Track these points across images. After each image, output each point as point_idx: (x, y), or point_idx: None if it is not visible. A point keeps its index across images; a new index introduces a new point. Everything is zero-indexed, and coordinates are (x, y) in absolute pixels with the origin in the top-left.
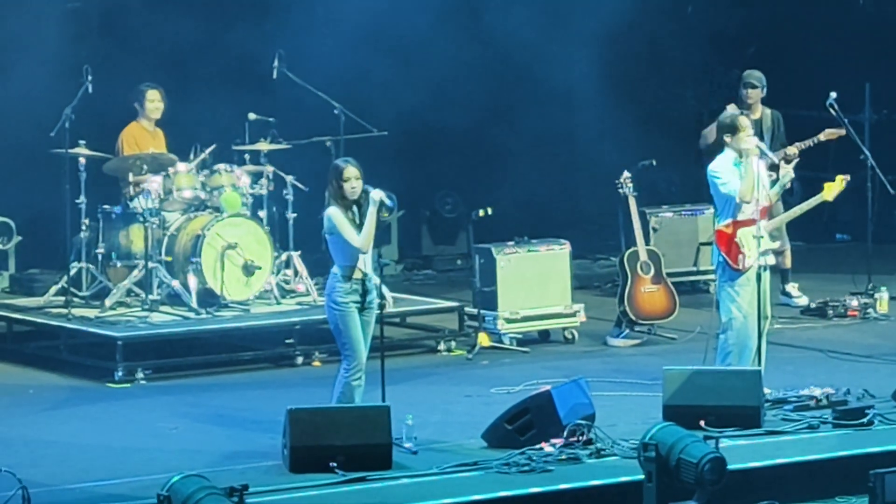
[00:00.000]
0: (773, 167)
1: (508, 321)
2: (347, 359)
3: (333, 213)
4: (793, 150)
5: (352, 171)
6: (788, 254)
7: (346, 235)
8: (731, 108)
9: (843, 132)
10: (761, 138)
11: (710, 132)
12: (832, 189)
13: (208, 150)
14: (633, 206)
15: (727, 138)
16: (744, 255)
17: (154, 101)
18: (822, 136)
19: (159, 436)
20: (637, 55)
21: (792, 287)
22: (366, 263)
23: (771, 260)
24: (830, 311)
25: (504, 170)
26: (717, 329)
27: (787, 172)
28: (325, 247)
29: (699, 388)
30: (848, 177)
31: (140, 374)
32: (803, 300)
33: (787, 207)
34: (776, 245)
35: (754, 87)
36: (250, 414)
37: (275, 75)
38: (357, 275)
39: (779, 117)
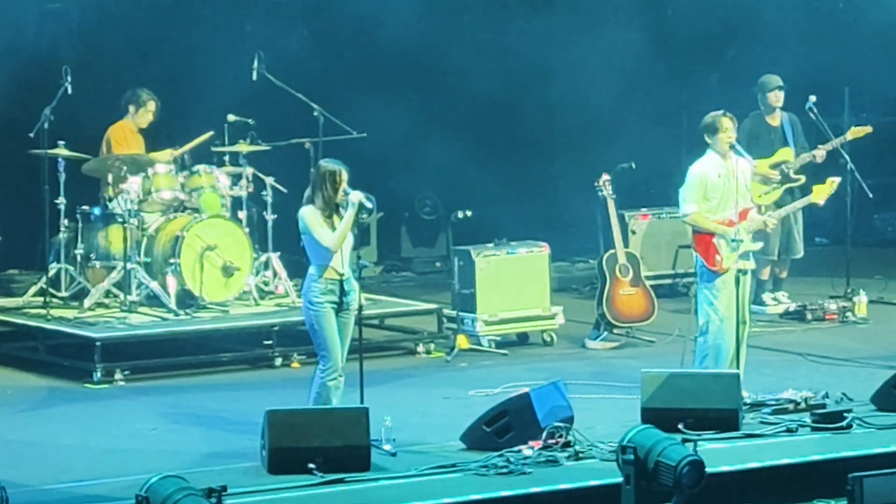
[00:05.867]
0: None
1: (487, 323)
2: (323, 359)
3: (305, 213)
4: (821, 152)
5: (345, 176)
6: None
7: (316, 235)
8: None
9: (869, 129)
10: (784, 144)
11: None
12: (822, 192)
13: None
14: (612, 208)
15: (708, 138)
16: (721, 257)
17: (150, 112)
18: (848, 136)
19: (137, 436)
20: (617, 61)
21: (768, 295)
22: (342, 264)
23: (751, 265)
24: (809, 315)
25: (483, 172)
26: (695, 332)
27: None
28: (303, 247)
29: (677, 391)
30: (838, 179)
31: (118, 375)
32: (778, 308)
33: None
34: (757, 247)
35: (782, 88)
36: (229, 415)
37: (254, 77)
38: (332, 275)
39: (797, 120)
